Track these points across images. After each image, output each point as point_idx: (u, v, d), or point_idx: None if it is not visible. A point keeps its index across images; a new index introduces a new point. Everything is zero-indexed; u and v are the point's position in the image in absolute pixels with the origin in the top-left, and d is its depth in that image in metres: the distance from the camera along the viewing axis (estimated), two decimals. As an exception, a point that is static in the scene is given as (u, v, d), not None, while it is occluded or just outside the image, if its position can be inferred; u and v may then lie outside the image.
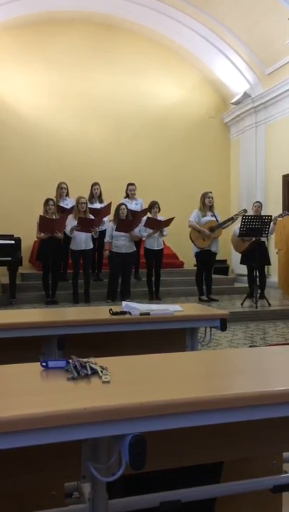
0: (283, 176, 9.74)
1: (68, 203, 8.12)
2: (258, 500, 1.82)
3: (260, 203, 8.20)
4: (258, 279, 7.49)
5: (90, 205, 7.95)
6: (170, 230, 8.02)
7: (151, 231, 7.79)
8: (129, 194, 8.51)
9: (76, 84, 10.37)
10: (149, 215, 7.95)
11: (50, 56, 10.20)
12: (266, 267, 8.20)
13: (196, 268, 8.16)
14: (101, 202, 8.32)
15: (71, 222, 7.48)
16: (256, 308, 7.18)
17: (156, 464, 1.46)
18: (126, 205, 7.78)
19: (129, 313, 2.82)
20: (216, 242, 7.88)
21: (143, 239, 7.97)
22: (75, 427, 1.22)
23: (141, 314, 2.79)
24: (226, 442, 1.57)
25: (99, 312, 3.18)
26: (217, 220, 7.84)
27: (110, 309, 2.86)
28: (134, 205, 8.31)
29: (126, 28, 10.68)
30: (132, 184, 8.51)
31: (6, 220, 9.17)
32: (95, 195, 8.36)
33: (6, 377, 1.54)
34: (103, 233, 7.93)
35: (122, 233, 7.58)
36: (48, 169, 9.82)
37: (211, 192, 7.97)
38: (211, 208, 7.92)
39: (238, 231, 7.42)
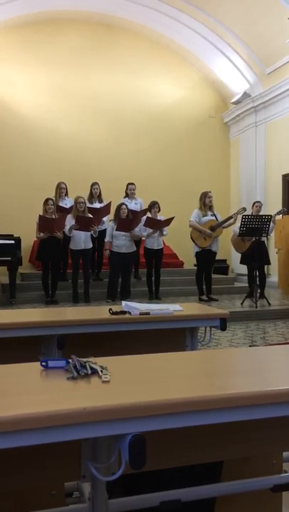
0: (283, 175, 9.74)
1: (67, 203, 8.12)
2: (258, 499, 1.82)
3: (261, 202, 8.21)
4: (257, 279, 7.49)
5: (89, 205, 7.96)
6: (170, 229, 8.02)
7: (151, 230, 7.79)
8: (129, 194, 8.51)
9: (76, 83, 10.37)
10: (149, 214, 7.95)
11: (50, 56, 10.19)
12: (266, 266, 8.20)
13: (196, 268, 8.16)
14: (101, 202, 8.33)
15: (70, 221, 7.48)
16: (256, 307, 7.17)
17: (156, 464, 1.46)
18: (126, 205, 7.78)
19: (129, 313, 2.82)
20: (216, 241, 7.88)
21: (143, 238, 7.97)
22: (74, 426, 1.22)
23: (141, 314, 2.79)
24: (225, 442, 1.57)
25: (99, 312, 3.18)
26: (217, 219, 7.85)
27: (110, 309, 2.86)
28: (133, 205, 8.31)
29: (125, 27, 10.68)
30: (132, 184, 8.51)
31: (6, 219, 9.17)
32: (95, 194, 8.36)
33: (6, 377, 1.53)
34: (103, 233, 7.93)
35: (123, 233, 7.58)
36: (47, 169, 9.82)
37: (210, 191, 7.98)
38: (210, 207, 7.92)
39: (238, 231, 7.43)
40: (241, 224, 7.29)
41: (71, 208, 7.77)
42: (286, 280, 8.62)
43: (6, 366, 1.62)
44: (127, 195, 8.53)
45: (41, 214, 7.48)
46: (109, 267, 7.83)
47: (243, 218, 7.32)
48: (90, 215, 7.63)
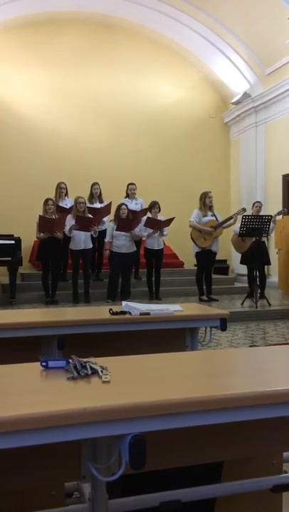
0: (283, 175, 9.74)
1: (67, 203, 8.12)
2: (258, 500, 1.82)
3: (261, 203, 8.21)
4: (258, 279, 7.49)
5: (90, 205, 7.96)
6: (170, 229, 8.02)
7: (151, 231, 7.79)
8: (130, 194, 8.51)
9: (76, 84, 10.37)
10: (149, 215, 7.96)
11: (50, 56, 10.19)
12: (266, 266, 8.20)
13: (196, 268, 8.16)
14: (101, 202, 8.33)
15: (70, 222, 7.49)
16: (256, 308, 7.17)
17: (156, 464, 1.46)
18: (126, 205, 7.78)
19: (129, 313, 2.82)
20: (216, 241, 7.88)
21: (143, 239, 7.97)
22: (74, 426, 1.22)
23: (141, 314, 2.79)
24: (225, 442, 1.57)
25: (99, 312, 3.18)
26: (217, 219, 7.86)
27: (110, 309, 2.86)
28: (134, 205, 8.32)
29: (125, 27, 10.68)
30: (132, 184, 8.52)
31: (6, 219, 9.17)
32: (95, 194, 8.36)
33: (6, 377, 1.53)
34: (103, 233, 7.93)
35: (123, 233, 7.58)
36: (47, 169, 9.82)
37: (210, 192, 7.98)
38: (211, 207, 7.92)
39: (238, 231, 7.43)
40: (241, 224, 7.29)
41: (71, 208, 7.77)
42: (286, 280, 8.62)
43: (6, 366, 1.62)
44: (127, 196, 8.53)
45: (41, 214, 7.49)
46: (110, 267, 7.83)
47: (243, 218, 7.32)
48: (90, 215, 7.63)
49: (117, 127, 10.63)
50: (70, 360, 1.59)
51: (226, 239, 8.79)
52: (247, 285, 8.06)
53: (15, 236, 7.98)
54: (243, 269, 8.46)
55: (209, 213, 7.88)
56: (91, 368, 1.54)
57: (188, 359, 1.96)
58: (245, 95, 10.53)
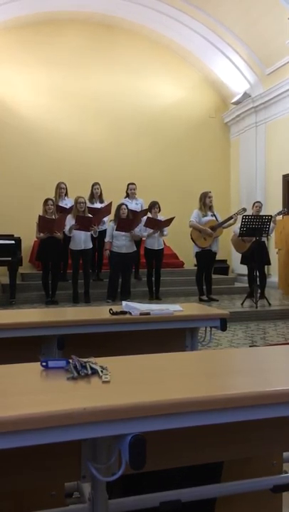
0: (283, 175, 9.74)
1: (67, 203, 8.13)
2: (258, 500, 1.82)
3: (261, 203, 8.21)
4: (258, 279, 7.49)
5: (90, 205, 7.97)
6: (170, 229, 8.02)
7: (151, 231, 7.79)
8: (130, 193, 8.51)
9: (76, 84, 10.37)
10: (149, 215, 7.96)
11: (50, 56, 10.19)
12: (266, 266, 8.20)
13: (196, 268, 8.16)
14: (101, 202, 8.33)
15: (70, 222, 7.49)
16: (256, 308, 7.17)
17: (156, 464, 1.46)
18: (126, 205, 7.78)
19: (129, 313, 2.82)
20: (216, 241, 7.89)
21: (143, 239, 7.97)
22: (74, 426, 1.22)
23: (141, 314, 2.79)
24: (225, 442, 1.57)
25: (99, 312, 3.18)
26: (217, 219, 7.86)
27: (110, 309, 2.86)
28: (134, 205, 8.32)
29: (125, 27, 10.68)
30: (133, 184, 8.52)
31: (6, 219, 9.17)
32: (96, 194, 8.36)
33: (6, 377, 1.53)
34: (103, 233, 7.93)
35: (123, 233, 7.58)
36: (47, 169, 9.82)
37: (210, 192, 7.98)
38: (211, 207, 7.93)
39: (238, 231, 7.43)
40: (241, 224, 7.29)
41: (71, 208, 7.78)
42: (286, 280, 8.62)
43: (6, 366, 1.62)
44: (127, 195, 8.53)
45: (41, 214, 7.49)
46: (110, 267, 7.83)
47: (243, 218, 7.32)
48: (90, 215, 7.63)
49: (117, 127, 10.63)
50: (70, 360, 1.59)
51: (226, 239, 8.78)
52: (247, 285, 8.06)
53: (15, 236, 7.98)
54: (243, 269, 8.46)
55: (209, 213, 7.87)
56: (91, 368, 1.54)
57: (188, 359, 1.96)
58: (245, 95, 10.52)
